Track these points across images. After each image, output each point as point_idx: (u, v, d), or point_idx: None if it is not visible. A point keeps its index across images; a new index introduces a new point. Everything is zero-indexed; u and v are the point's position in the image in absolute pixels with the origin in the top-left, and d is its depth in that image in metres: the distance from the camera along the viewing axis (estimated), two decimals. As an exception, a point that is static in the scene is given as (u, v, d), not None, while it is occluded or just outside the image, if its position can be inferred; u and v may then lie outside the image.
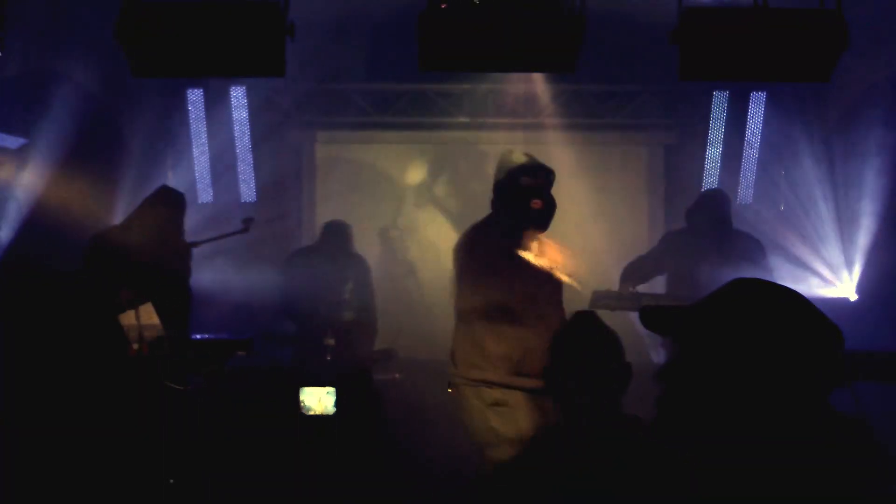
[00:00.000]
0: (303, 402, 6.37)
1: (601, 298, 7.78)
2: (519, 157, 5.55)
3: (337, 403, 6.58)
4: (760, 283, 2.11)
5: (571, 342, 3.57)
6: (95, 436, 6.14)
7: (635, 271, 7.73)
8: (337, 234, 8.55)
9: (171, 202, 6.97)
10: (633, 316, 8.39)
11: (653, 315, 2.17)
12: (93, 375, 6.24)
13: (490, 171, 9.82)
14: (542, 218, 5.50)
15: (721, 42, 5.80)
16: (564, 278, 5.52)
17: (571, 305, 8.23)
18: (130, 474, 6.07)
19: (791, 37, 5.77)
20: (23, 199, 8.21)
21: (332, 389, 6.63)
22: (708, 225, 7.56)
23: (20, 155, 8.36)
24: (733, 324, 2.02)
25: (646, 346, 9.01)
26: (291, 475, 6.44)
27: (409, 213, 9.84)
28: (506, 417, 5.10)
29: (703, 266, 7.24)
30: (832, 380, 2.00)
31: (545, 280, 5.40)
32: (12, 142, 8.21)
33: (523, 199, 5.42)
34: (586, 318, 3.72)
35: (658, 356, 8.24)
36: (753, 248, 7.50)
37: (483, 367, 5.21)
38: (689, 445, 2.03)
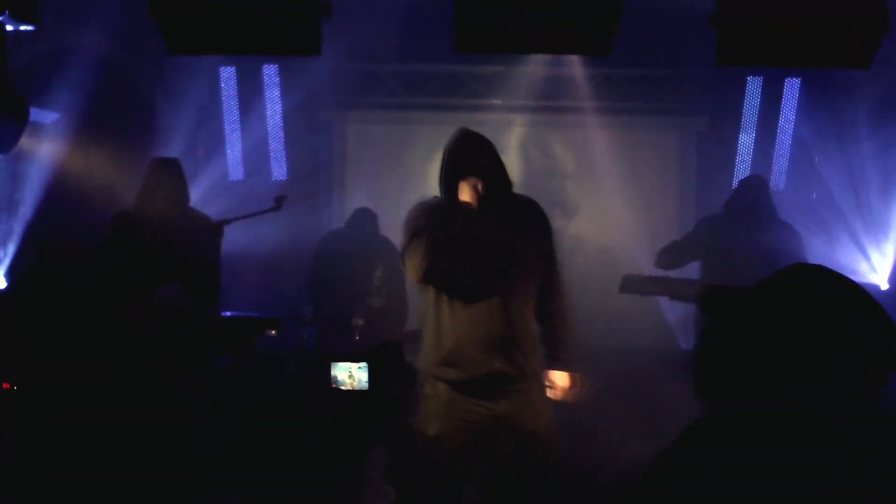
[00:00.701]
0: (335, 377, 6.36)
1: (631, 283, 7.75)
2: (460, 138, 4.82)
3: (370, 379, 6.57)
4: (822, 270, 2.10)
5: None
6: (122, 415, 6.18)
7: (670, 255, 7.68)
8: (366, 219, 8.55)
9: (178, 172, 7.03)
10: (663, 301, 8.40)
11: (713, 297, 2.15)
12: (119, 355, 6.28)
13: (522, 154, 9.87)
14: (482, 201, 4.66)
15: (759, 27, 5.77)
16: None
17: (602, 289, 8.28)
18: (155, 451, 6.10)
19: (831, 22, 5.72)
20: (55, 174, 8.26)
21: (363, 364, 6.61)
22: (744, 212, 7.49)
23: (53, 130, 8.40)
24: (792, 310, 2.01)
25: (673, 333, 9.00)
26: (321, 453, 6.45)
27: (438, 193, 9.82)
28: (425, 415, 4.73)
29: (736, 253, 7.20)
30: (884, 374, 1.99)
31: (491, 256, 4.62)
32: (46, 116, 8.24)
33: (452, 184, 4.71)
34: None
35: (687, 342, 8.21)
36: (790, 237, 7.43)
37: (421, 353, 4.82)
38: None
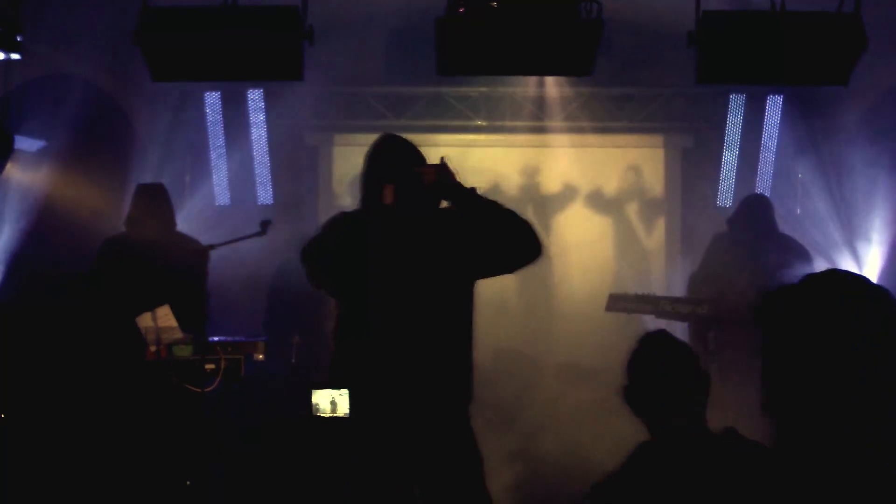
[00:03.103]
0: (316, 404, 6.37)
1: (618, 301, 7.79)
2: (383, 143, 4.64)
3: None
4: (854, 275, 2.13)
5: (648, 363, 3.42)
6: (111, 438, 6.18)
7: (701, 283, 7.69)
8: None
9: (164, 197, 7.06)
10: (648, 319, 8.42)
11: (768, 308, 2.16)
12: (109, 378, 6.28)
13: (506, 174, 9.90)
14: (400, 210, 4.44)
15: (739, 46, 5.81)
16: None
17: (591, 312, 8.30)
18: (147, 476, 6.10)
19: (809, 41, 5.77)
20: (40, 202, 8.25)
21: (345, 391, 6.60)
22: (747, 232, 7.52)
23: (38, 158, 8.40)
24: (824, 313, 2.03)
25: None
26: (306, 479, 6.45)
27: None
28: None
29: (742, 273, 7.23)
30: None
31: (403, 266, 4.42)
32: (31, 144, 8.25)
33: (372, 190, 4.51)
34: (659, 338, 3.56)
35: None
36: (797, 256, 7.45)
37: None
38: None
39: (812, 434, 2.03)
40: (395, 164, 4.45)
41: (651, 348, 3.41)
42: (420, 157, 4.53)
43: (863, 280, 2.14)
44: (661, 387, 3.29)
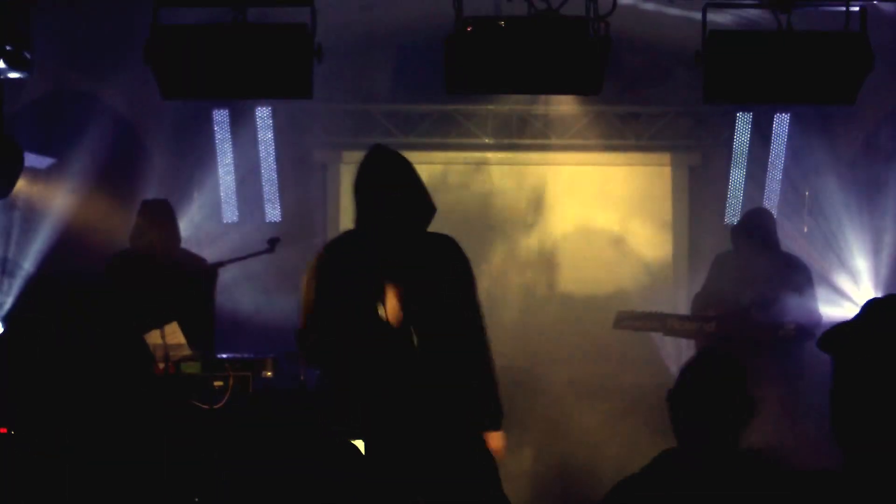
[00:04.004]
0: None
1: (624, 319, 7.79)
2: (372, 157, 4.58)
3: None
4: None
5: (696, 375, 3.48)
6: (119, 454, 6.18)
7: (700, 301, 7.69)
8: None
9: (168, 213, 7.09)
10: (657, 336, 8.42)
11: (834, 337, 2.17)
12: (117, 393, 6.29)
13: (513, 191, 9.91)
14: (396, 233, 4.48)
15: (746, 65, 5.84)
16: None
17: (597, 330, 8.30)
18: (155, 493, 6.10)
19: (816, 60, 5.79)
20: (51, 219, 8.29)
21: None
22: (750, 247, 7.53)
23: (49, 175, 8.45)
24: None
25: (669, 368, 9.01)
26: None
27: (433, 228, 9.83)
28: None
29: (745, 290, 7.24)
30: None
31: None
32: (41, 161, 8.29)
33: (376, 211, 4.48)
34: (711, 353, 3.61)
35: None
36: (799, 274, 7.45)
37: None
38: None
39: (881, 463, 2.03)
40: (387, 181, 4.44)
41: (707, 363, 3.47)
42: (412, 184, 4.50)
43: None
44: (705, 400, 3.33)
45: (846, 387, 2.10)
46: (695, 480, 3.19)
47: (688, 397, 3.37)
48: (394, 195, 4.43)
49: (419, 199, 4.51)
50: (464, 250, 4.56)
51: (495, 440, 4.52)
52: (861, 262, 8.96)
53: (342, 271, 4.43)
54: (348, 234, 4.59)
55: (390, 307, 4.35)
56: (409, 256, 4.44)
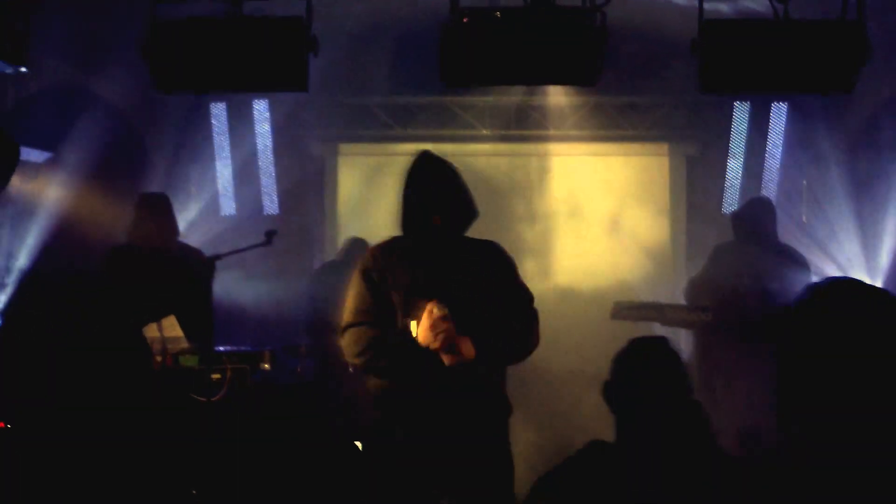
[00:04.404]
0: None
1: (623, 309, 7.80)
2: (420, 163, 4.80)
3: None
4: (860, 284, 2.14)
5: (636, 368, 3.40)
6: (117, 447, 6.18)
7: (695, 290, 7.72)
8: (361, 249, 8.61)
9: (166, 206, 7.10)
10: (655, 326, 8.42)
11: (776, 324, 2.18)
12: (117, 385, 6.29)
13: (511, 182, 9.91)
14: (440, 237, 4.70)
15: (742, 54, 5.83)
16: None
17: (596, 320, 8.30)
18: (153, 485, 6.10)
19: (813, 48, 5.78)
20: (47, 213, 8.28)
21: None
22: (748, 236, 7.55)
23: (45, 169, 8.44)
24: (834, 325, 2.04)
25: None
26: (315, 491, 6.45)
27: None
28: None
29: (741, 279, 7.25)
30: None
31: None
32: (38, 155, 8.28)
33: (421, 214, 4.69)
34: (656, 345, 3.58)
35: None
36: (796, 264, 7.47)
37: None
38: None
39: (826, 445, 2.04)
40: (436, 189, 4.65)
41: (639, 351, 3.42)
42: (456, 188, 4.70)
43: (869, 286, 2.15)
44: (638, 389, 3.29)
45: (790, 375, 2.10)
46: (617, 473, 3.16)
47: (622, 388, 3.33)
48: (439, 201, 4.63)
49: (465, 205, 4.72)
50: (507, 253, 4.81)
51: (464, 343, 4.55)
52: (859, 252, 8.96)
53: (384, 276, 4.63)
54: (395, 239, 4.77)
55: (422, 327, 4.46)
56: (452, 263, 4.65)
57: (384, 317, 4.59)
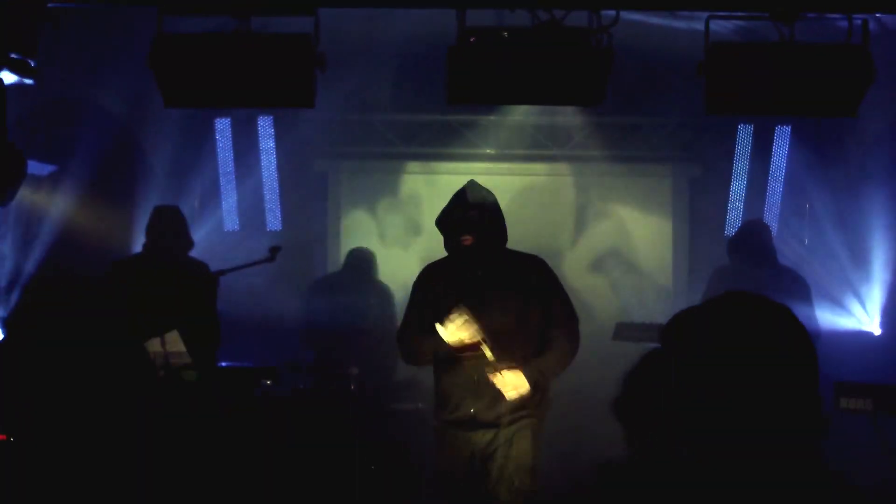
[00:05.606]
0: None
1: (624, 330, 7.80)
2: (460, 190, 5.44)
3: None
4: (749, 295, 2.14)
5: (643, 380, 3.40)
6: (119, 459, 6.16)
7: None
8: (360, 262, 8.65)
9: (176, 221, 7.10)
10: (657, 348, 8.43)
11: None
12: (119, 399, 6.27)
13: (514, 201, 9.92)
14: (472, 255, 5.28)
15: (747, 77, 5.84)
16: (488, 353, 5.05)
17: (598, 341, 8.29)
18: (153, 499, 6.08)
19: (817, 72, 5.80)
20: (51, 226, 8.29)
21: None
22: (746, 260, 7.53)
23: (50, 182, 8.45)
24: (717, 333, 2.05)
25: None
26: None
27: (433, 241, 9.83)
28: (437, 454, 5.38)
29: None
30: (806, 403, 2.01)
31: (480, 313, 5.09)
32: (42, 168, 8.29)
33: (454, 235, 5.30)
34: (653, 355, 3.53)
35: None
36: (797, 287, 7.44)
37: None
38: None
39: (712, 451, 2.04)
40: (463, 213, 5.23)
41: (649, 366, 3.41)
42: (490, 211, 5.30)
43: (763, 299, 2.15)
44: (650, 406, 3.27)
45: (683, 382, 2.10)
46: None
47: (633, 404, 3.32)
48: (467, 224, 5.21)
49: (494, 228, 5.30)
50: (550, 267, 5.44)
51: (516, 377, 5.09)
52: (861, 275, 8.97)
53: (426, 290, 5.33)
54: (444, 258, 5.41)
55: (448, 329, 4.94)
56: (489, 277, 5.24)
57: (427, 324, 5.12)
